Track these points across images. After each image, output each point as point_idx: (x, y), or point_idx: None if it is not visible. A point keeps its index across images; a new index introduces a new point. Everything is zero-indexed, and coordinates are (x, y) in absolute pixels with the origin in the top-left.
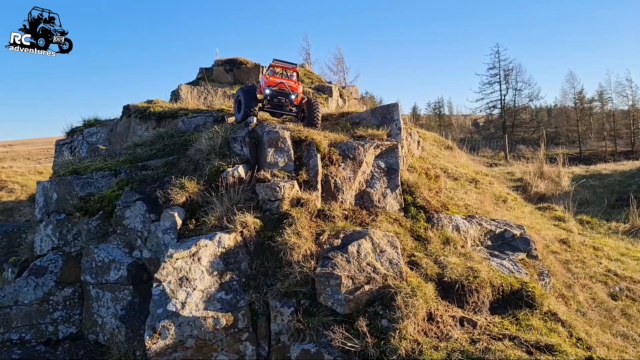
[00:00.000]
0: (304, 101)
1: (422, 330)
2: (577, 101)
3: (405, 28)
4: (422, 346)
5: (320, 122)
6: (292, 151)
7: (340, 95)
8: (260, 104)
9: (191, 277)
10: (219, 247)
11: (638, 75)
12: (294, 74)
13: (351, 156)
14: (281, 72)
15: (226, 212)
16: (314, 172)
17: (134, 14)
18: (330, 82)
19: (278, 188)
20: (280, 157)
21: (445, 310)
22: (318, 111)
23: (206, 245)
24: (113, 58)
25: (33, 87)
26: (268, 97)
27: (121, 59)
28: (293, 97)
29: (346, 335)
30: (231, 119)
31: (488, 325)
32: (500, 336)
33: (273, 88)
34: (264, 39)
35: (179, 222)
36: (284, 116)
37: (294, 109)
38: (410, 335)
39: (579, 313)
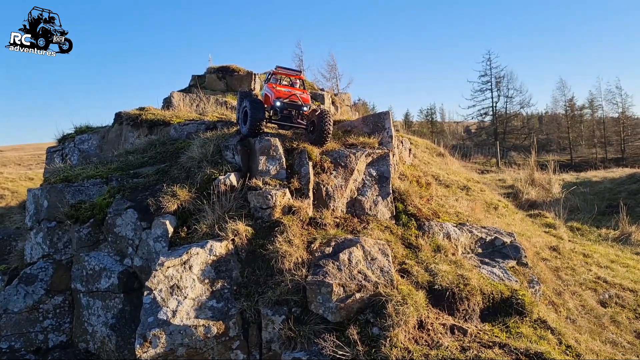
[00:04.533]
0: (316, 113)
1: (413, 338)
2: (567, 108)
3: (399, 35)
4: (412, 354)
5: (329, 139)
6: (283, 159)
7: (333, 103)
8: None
9: (182, 285)
10: (210, 255)
11: (628, 83)
12: (298, 81)
13: (343, 164)
14: (280, 79)
15: (218, 220)
16: (306, 180)
17: (126, 19)
18: (322, 90)
19: (270, 196)
20: (272, 165)
21: (436, 318)
22: (329, 127)
23: (197, 253)
24: (105, 64)
25: (23, 92)
26: (278, 110)
27: (113, 65)
28: (305, 109)
29: (337, 344)
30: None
31: (478, 333)
32: (490, 344)
33: (284, 100)
34: (257, 45)
35: (171, 230)
36: (292, 129)
37: (302, 121)
38: (401, 343)
39: (568, 320)
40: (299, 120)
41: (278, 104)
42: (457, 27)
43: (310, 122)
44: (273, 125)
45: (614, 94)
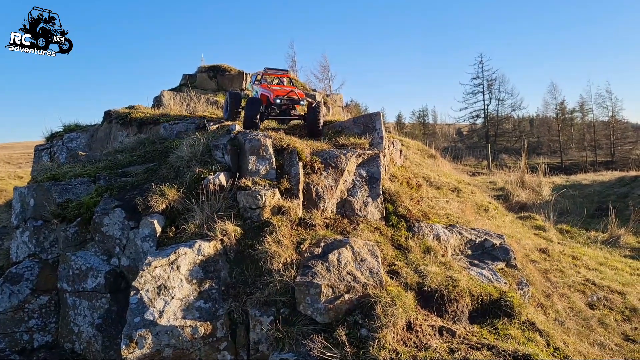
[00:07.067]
0: (312, 105)
1: (401, 339)
2: (558, 112)
3: (392, 37)
4: (401, 356)
5: (321, 128)
6: (273, 159)
7: (325, 104)
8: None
9: (170, 286)
10: (198, 255)
11: (618, 87)
12: (285, 79)
13: (333, 165)
14: (272, 79)
15: (206, 219)
16: (296, 180)
17: (117, 18)
18: (314, 90)
19: (259, 196)
20: (262, 165)
21: (425, 320)
22: (319, 117)
23: (185, 253)
24: (95, 62)
25: (12, 91)
26: (277, 106)
27: (103, 63)
28: (302, 103)
29: (325, 345)
30: (214, 127)
31: (467, 334)
32: (479, 346)
33: (283, 97)
34: (249, 46)
35: (159, 229)
36: (291, 122)
37: (297, 114)
38: (390, 344)
39: (557, 322)
40: (295, 114)
41: (278, 101)
42: (450, 30)
43: (303, 116)
44: (270, 121)
45: (604, 97)
